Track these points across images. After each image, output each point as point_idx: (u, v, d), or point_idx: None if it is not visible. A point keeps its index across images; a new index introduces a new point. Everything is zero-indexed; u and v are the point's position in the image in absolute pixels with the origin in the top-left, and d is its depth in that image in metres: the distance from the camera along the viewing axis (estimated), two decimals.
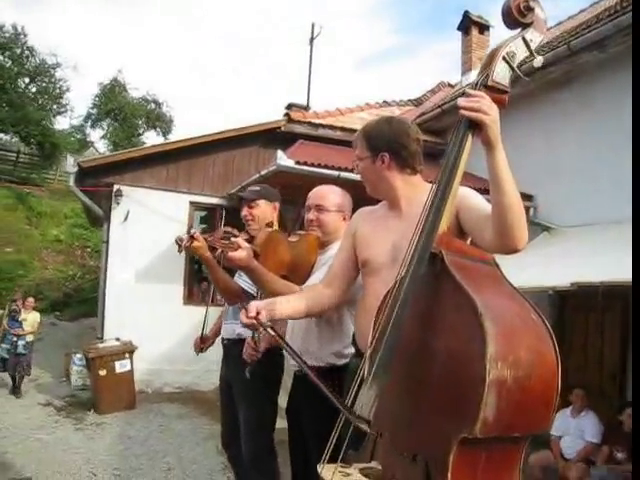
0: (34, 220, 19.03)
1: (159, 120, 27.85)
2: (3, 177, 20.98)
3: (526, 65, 1.57)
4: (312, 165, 6.32)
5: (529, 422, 1.27)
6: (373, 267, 1.90)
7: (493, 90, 1.43)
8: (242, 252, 2.07)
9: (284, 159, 6.21)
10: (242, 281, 2.76)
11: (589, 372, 6.04)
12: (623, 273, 3.76)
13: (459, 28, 9.86)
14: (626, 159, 5.61)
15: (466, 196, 1.73)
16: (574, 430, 4.75)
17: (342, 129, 8.67)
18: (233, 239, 2.11)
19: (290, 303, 1.94)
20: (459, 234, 1.74)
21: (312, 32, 11.97)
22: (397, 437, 1.33)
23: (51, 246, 17.94)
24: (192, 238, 2.33)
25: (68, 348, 8.77)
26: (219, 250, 2.10)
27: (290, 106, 10.40)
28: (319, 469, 1.40)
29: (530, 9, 1.43)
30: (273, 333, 1.60)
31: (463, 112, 1.40)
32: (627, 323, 6.01)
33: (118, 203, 7.76)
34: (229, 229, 2.76)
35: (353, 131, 9.02)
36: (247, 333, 2.69)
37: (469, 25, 9.62)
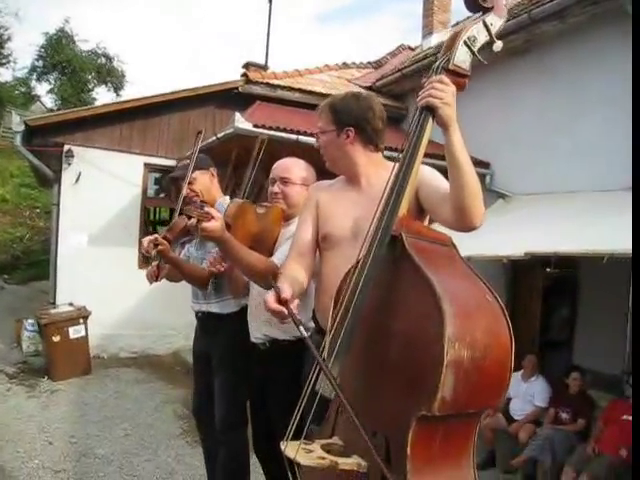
0: None
1: (110, 75, 26.73)
2: None
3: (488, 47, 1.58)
4: (270, 128, 6.20)
5: (484, 399, 1.34)
6: (333, 241, 1.91)
7: (454, 74, 1.47)
8: (216, 223, 2.02)
9: (241, 122, 6.06)
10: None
11: (523, 336, 6.31)
12: (575, 244, 3.90)
13: None
14: (583, 128, 5.77)
15: (425, 174, 1.76)
16: (524, 394, 4.96)
17: (301, 91, 8.49)
18: (207, 209, 2.05)
19: (293, 284, 1.79)
20: (418, 212, 1.77)
21: None
22: (357, 414, 1.35)
23: None
24: (156, 245, 2.38)
25: (18, 313, 8.54)
26: (194, 220, 2.03)
27: (247, 65, 10.11)
28: (282, 446, 1.40)
29: None
30: (302, 330, 1.47)
31: (421, 102, 1.46)
32: (549, 288, 6.36)
33: (69, 164, 7.44)
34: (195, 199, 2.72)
35: (312, 93, 8.87)
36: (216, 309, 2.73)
37: None
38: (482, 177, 6.52)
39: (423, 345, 1.27)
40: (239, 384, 2.77)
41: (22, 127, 7.17)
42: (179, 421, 5.35)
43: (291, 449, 1.36)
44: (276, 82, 8.50)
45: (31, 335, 7.42)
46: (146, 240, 2.46)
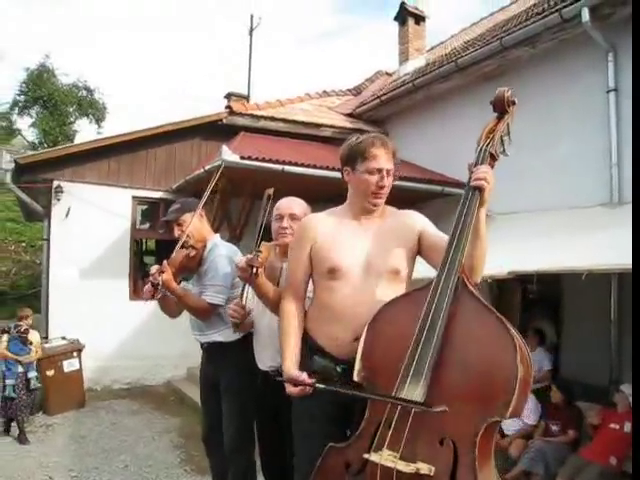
0: None
1: (92, 107, 26.85)
2: None
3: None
4: (257, 160, 6.37)
5: (523, 404, 1.66)
6: (342, 273, 2.05)
7: (493, 158, 1.95)
8: (261, 268, 2.25)
9: (229, 154, 6.22)
10: (209, 295, 2.93)
11: None
12: (555, 261, 4.09)
13: (396, 19, 10.06)
14: (555, 148, 6.01)
15: (428, 224, 2.13)
16: None
17: (283, 120, 8.74)
18: (260, 258, 2.24)
19: (297, 341, 2.13)
20: (413, 256, 2.10)
21: (251, 23, 11.87)
22: (422, 426, 1.66)
23: None
24: (161, 272, 2.63)
25: None
26: (254, 270, 2.21)
27: (229, 95, 10.31)
28: (376, 459, 1.65)
29: (514, 103, 2.03)
30: (323, 386, 1.85)
31: (475, 182, 1.83)
32: (532, 302, 6.67)
33: (58, 199, 7.53)
34: None
35: (294, 122, 9.10)
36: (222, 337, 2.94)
37: (405, 16, 9.84)
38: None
39: (499, 367, 1.63)
40: (246, 408, 2.91)
41: (12, 165, 7.27)
42: (176, 450, 5.40)
43: (388, 460, 1.63)
44: (259, 113, 8.71)
45: None
46: (154, 268, 2.71)
